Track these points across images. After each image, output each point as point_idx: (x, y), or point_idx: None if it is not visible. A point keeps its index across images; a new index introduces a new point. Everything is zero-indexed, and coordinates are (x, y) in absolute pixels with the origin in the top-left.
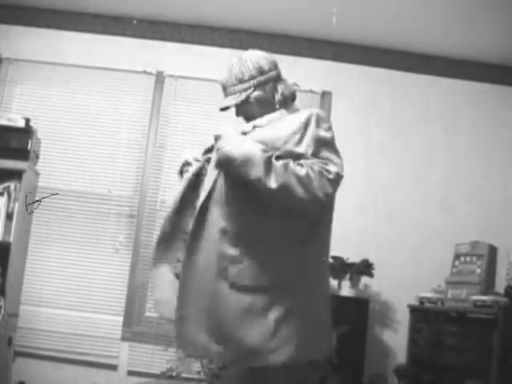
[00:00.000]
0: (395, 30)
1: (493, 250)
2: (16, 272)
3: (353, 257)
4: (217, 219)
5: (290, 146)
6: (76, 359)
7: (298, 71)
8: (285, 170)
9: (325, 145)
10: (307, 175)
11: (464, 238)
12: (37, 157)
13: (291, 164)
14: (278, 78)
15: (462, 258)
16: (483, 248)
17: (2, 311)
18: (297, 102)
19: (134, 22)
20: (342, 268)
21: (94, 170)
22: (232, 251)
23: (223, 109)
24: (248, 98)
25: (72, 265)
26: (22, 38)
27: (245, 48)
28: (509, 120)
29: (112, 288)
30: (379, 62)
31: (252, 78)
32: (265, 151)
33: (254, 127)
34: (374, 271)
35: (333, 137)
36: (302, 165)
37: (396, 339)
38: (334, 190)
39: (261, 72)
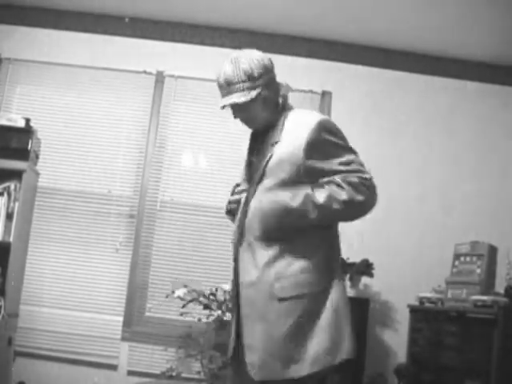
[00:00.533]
0: (395, 29)
1: (493, 250)
2: (16, 272)
3: (353, 257)
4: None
5: (313, 163)
6: (76, 359)
7: (298, 71)
8: (330, 202)
9: (342, 148)
10: (350, 197)
11: (464, 237)
12: (37, 157)
13: (331, 192)
14: (277, 82)
15: (462, 258)
16: (483, 248)
17: (2, 311)
18: (297, 102)
19: (126, 20)
20: (342, 268)
21: (94, 170)
22: (275, 268)
23: (224, 107)
24: (258, 95)
25: (72, 265)
26: (22, 38)
27: (245, 48)
28: (509, 120)
29: (112, 288)
30: (379, 62)
31: (261, 75)
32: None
33: (274, 144)
34: (374, 271)
35: (343, 136)
36: (340, 185)
37: (396, 339)
38: (375, 190)
39: (267, 71)
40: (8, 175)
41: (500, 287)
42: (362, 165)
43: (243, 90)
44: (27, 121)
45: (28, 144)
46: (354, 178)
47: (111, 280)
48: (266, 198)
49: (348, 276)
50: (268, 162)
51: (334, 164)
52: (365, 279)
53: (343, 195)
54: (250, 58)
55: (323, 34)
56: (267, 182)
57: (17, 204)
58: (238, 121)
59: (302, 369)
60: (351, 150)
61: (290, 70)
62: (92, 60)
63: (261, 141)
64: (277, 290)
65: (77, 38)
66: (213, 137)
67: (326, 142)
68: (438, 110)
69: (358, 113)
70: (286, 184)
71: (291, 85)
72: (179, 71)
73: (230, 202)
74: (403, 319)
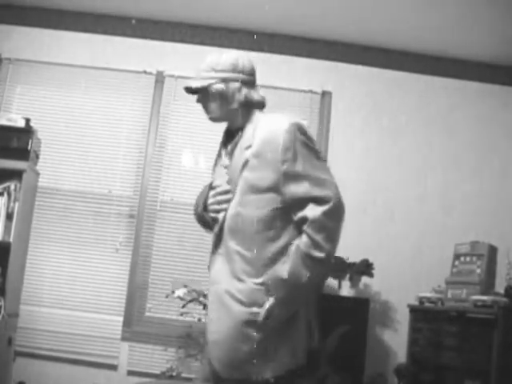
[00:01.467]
0: (395, 29)
1: (493, 250)
2: (16, 272)
3: (353, 257)
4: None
5: (289, 166)
6: (76, 359)
7: (298, 71)
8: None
9: (314, 152)
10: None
11: (464, 237)
12: (37, 157)
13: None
14: (250, 84)
15: (462, 258)
16: (483, 248)
17: (2, 311)
18: (297, 102)
19: (133, 21)
20: (342, 268)
21: (94, 170)
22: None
23: (188, 90)
24: (210, 86)
25: (72, 265)
26: (23, 38)
27: (245, 48)
28: (509, 120)
29: (112, 288)
30: (379, 62)
31: (223, 70)
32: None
33: (247, 148)
34: (374, 271)
35: (314, 141)
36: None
37: (396, 339)
38: (340, 211)
39: (233, 69)
40: (8, 175)
41: (500, 287)
42: (330, 183)
43: (202, 78)
44: (27, 121)
45: (28, 144)
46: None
47: (111, 280)
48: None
49: (348, 276)
50: (244, 166)
51: (305, 185)
52: (365, 279)
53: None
54: (225, 55)
55: (323, 33)
56: (243, 187)
57: (17, 204)
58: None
59: (266, 371)
60: (320, 156)
61: (290, 70)
62: (92, 60)
63: (234, 142)
64: (242, 295)
65: (77, 37)
66: (213, 137)
67: (300, 144)
68: (438, 110)
69: (357, 113)
70: (261, 191)
71: (291, 86)
72: (179, 71)
73: (215, 203)
74: (403, 319)
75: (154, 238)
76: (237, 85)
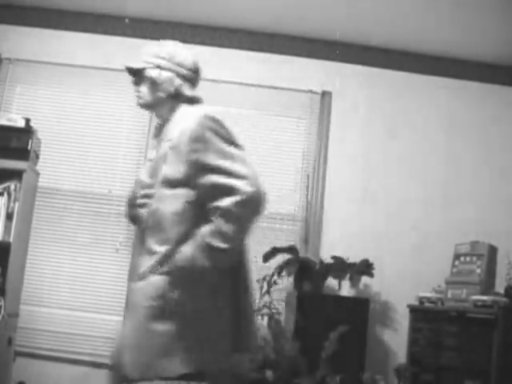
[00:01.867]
0: (395, 29)
1: (493, 250)
2: (16, 272)
3: (353, 257)
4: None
5: (198, 156)
6: (76, 359)
7: (298, 71)
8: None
9: (225, 140)
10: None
11: (464, 237)
12: (37, 157)
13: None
14: (186, 79)
15: (462, 258)
16: (483, 248)
17: (2, 311)
18: (297, 102)
19: (126, 20)
20: (342, 268)
21: (94, 170)
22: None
23: (128, 70)
24: (144, 70)
25: (72, 265)
26: (22, 38)
27: (245, 48)
28: (509, 120)
29: (112, 288)
30: (379, 62)
31: (162, 58)
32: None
33: (167, 141)
34: (374, 271)
35: (227, 129)
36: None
37: (396, 339)
38: (254, 203)
39: (171, 59)
40: (8, 175)
41: (500, 287)
42: (244, 173)
43: (141, 61)
44: (27, 121)
45: (28, 144)
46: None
47: (111, 280)
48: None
49: (348, 276)
50: (163, 160)
51: (216, 176)
52: (365, 279)
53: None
54: (170, 45)
55: (323, 33)
56: (161, 181)
57: (17, 204)
58: (237, 121)
59: (171, 370)
60: (235, 146)
61: (290, 70)
62: (92, 60)
63: (160, 135)
64: (147, 289)
65: (77, 37)
66: None
67: (211, 134)
68: (438, 109)
69: (357, 113)
70: (175, 184)
71: (291, 86)
72: None
73: (138, 198)
74: (403, 319)
75: None
76: (170, 75)
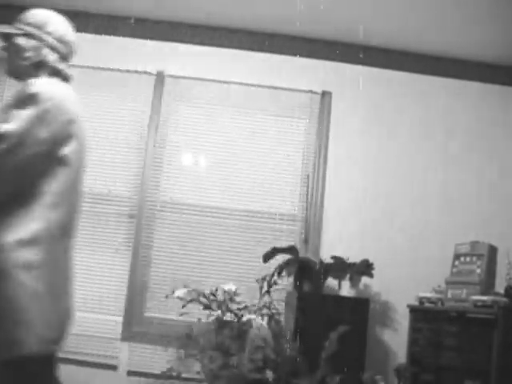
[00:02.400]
0: (395, 29)
1: (493, 250)
2: None
3: (353, 257)
4: None
5: None
6: (76, 359)
7: (298, 71)
8: None
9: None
10: None
11: (464, 237)
12: None
13: None
14: (55, 51)
15: (462, 258)
16: (483, 248)
17: None
18: (297, 102)
19: (132, 21)
20: (342, 268)
21: (93, 169)
22: None
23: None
24: (11, 35)
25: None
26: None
27: (245, 48)
28: (509, 120)
29: (112, 288)
30: (379, 62)
31: (31, 25)
32: None
33: None
34: (373, 271)
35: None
36: None
37: (396, 339)
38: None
39: (41, 28)
40: None
41: (500, 287)
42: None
43: (11, 27)
44: None
45: None
46: None
47: (111, 280)
48: None
49: (348, 276)
50: None
51: None
52: (365, 279)
53: None
54: (44, 13)
55: (323, 33)
56: None
57: None
58: (237, 121)
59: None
60: (28, 109)
61: (290, 70)
62: (92, 60)
63: None
64: None
65: (77, 38)
66: (213, 137)
67: (18, 101)
68: (438, 110)
69: (357, 113)
70: None
71: (291, 86)
72: (179, 71)
73: None
74: (403, 319)
75: (154, 238)
76: (37, 44)
